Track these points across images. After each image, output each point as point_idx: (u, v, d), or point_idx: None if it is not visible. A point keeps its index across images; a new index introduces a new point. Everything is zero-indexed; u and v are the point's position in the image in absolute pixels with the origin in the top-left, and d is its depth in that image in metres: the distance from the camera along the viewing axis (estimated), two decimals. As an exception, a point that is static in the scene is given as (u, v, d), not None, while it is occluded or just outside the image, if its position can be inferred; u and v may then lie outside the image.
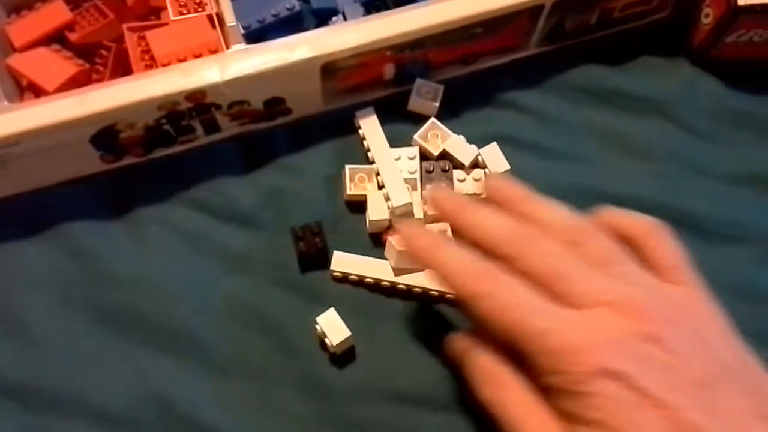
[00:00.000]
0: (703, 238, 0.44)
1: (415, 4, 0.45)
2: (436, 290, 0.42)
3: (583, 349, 0.30)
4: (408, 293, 0.43)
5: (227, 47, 0.44)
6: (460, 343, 0.37)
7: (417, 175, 0.46)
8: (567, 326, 0.31)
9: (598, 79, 0.49)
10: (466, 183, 0.46)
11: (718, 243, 0.44)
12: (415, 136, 0.47)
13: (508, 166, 0.46)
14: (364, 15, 0.47)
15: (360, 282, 0.43)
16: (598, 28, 0.50)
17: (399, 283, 0.42)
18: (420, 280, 0.42)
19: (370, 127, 0.47)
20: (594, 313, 0.31)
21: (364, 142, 0.46)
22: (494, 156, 0.46)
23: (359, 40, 0.43)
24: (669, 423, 0.28)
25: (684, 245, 0.44)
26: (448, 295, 0.42)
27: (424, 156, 0.47)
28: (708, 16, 0.48)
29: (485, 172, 0.46)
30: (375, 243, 0.45)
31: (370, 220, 0.44)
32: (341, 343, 0.40)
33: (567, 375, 0.30)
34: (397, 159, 0.46)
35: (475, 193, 0.46)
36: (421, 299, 0.43)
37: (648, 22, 0.51)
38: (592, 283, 0.32)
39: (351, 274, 0.43)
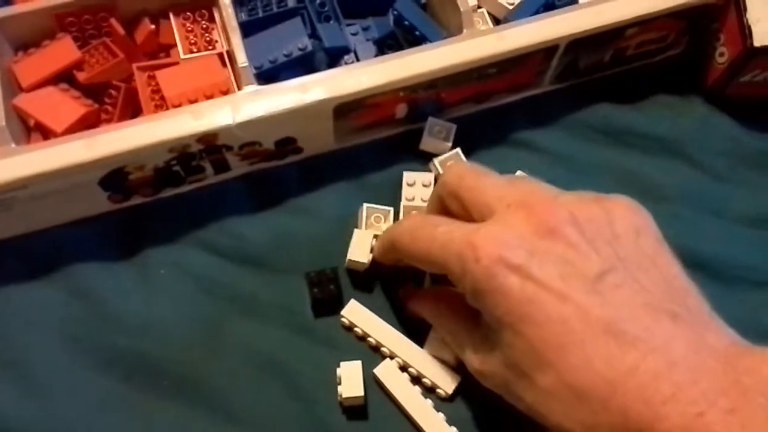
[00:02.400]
0: (716, 280, 0.44)
1: (429, 45, 0.44)
2: (428, 379, 0.41)
3: (483, 244, 0.32)
4: (402, 369, 0.42)
5: (239, 88, 0.43)
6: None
7: None
8: (470, 230, 0.33)
9: (611, 118, 0.49)
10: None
11: (732, 285, 0.44)
12: (435, 160, 0.46)
13: None
14: (376, 54, 0.47)
15: (363, 338, 0.42)
16: (612, 66, 0.50)
17: (396, 356, 0.41)
18: (417, 361, 0.41)
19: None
20: (499, 215, 0.33)
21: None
22: None
23: (373, 81, 0.42)
24: (571, 312, 0.30)
25: (701, 288, 0.44)
26: (438, 390, 0.41)
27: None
28: (723, 55, 0.48)
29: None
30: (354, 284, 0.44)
31: (349, 259, 0.43)
32: (351, 398, 0.39)
33: (472, 274, 0.32)
34: (411, 185, 0.46)
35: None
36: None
37: (662, 59, 0.51)
38: (501, 188, 0.35)
39: (357, 327, 0.42)
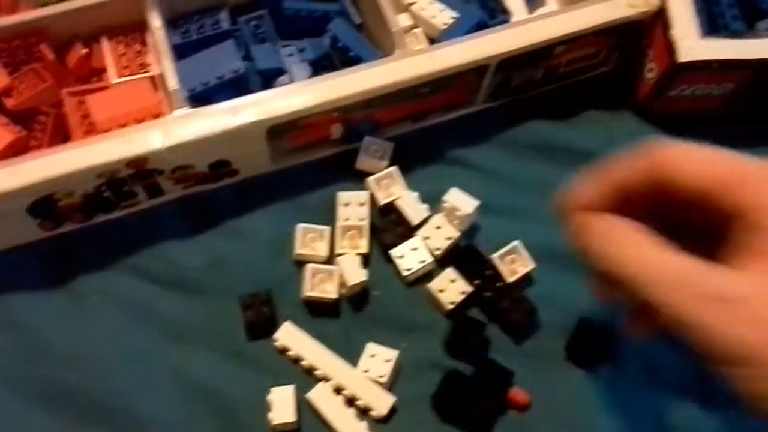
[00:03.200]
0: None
1: (360, 66, 0.45)
2: (362, 401, 0.41)
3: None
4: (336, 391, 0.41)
5: (170, 111, 0.43)
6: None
7: (366, 223, 0.45)
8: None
9: (544, 134, 0.49)
10: (431, 240, 0.45)
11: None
12: (370, 179, 0.46)
13: (478, 202, 0.45)
14: (311, 75, 0.47)
15: (297, 361, 0.42)
16: (545, 84, 0.51)
17: (330, 378, 0.41)
18: (350, 382, 0.41)
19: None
20: None
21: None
22: (460, 198, 0.45)
23: (304, 103, 0.43)
24: None
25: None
26: (372, 411, 0.41)
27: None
28: (652, 71, 0.48)
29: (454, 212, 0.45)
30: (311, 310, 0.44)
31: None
32: (282, 424, 0.39)
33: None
34: (346, 205, 0.46)
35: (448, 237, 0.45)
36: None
37: (593, 76, 0.52)
38: None
39: (291, 350, 0.42)
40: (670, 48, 0.46)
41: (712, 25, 0.49)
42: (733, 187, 0.27)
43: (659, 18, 0.47)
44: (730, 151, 0.29)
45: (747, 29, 0.49)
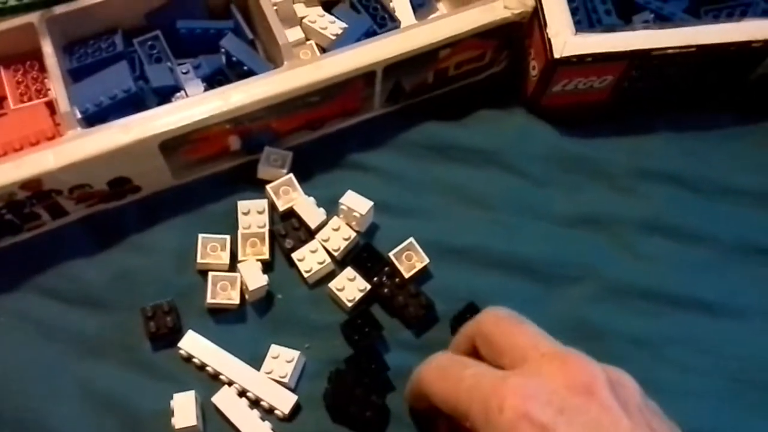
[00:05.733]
0: (539, 280, 0.47)
1: (248, 79, 0.46)
2: (266, 401, 0.42)
3: (511, 395, 0.30)
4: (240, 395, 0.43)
5: (62, 133, 0.44)
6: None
7: (266, 230, 0.47)
8: (499, 376, 0.32)
9: (438, 135, 0.51)
10: (330, 242, 0.47)
11: (555, 283, 0.47)
12: (268, 186, 0.48)
13: (372, 203, 0.47)
14: (205, 90, 0.48)
15: (202, 368, 0.43)
16: (437, 87, 0.53)
17: (234, 382, 0.43)
18: (254, 385, 0.42)
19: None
20: (531, 364, 0.32)
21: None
22: (355, 200, 0.47)
23: (193, 116, 0.44)
24: None
25: (524, 288, 0.46)
26: (276, 411, 0.42)
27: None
28: (534, 68, 0.51)
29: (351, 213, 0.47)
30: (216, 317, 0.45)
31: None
32: (184, 429, 0.40)
33: (493, 426, 0.30)
34: (246, 213, 0.47)
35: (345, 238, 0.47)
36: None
37: (486, 77, 0.54)
38: (537, 337, 0.34)
39: (195, 357, 0.43)
40: (546, 45, 0.48)
41: (590, 21, 0.52)
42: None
43: (536, 18, 0.49)
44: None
45: (622, 23, 0.51)
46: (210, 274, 0.45)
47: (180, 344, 0.43)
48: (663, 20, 0.52)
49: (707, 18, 0.53)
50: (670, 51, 0.48)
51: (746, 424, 0.43)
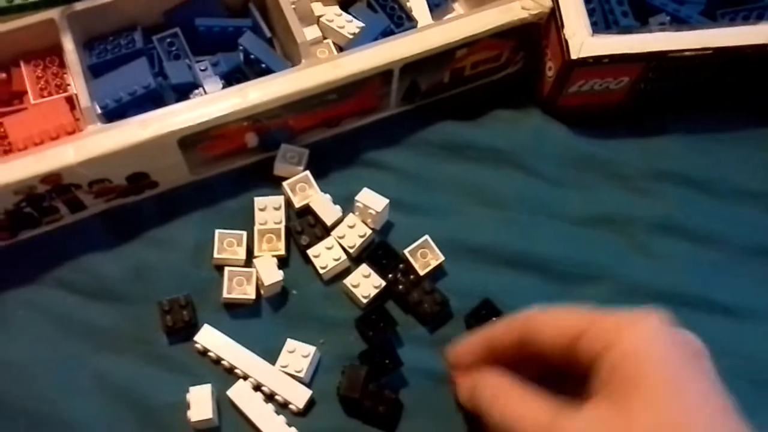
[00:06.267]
0: (555, 280, 0.47)
1: (267, 77, 0.47)
2: (280, 396, 0.42)
3: None
4: (255, 389, 0.43)
5: (83, 128, 0.45)
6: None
7: (282, 226, 0.47)
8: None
9: (453, 134, 0.52)
10: (346, 238, 0.47)
11: (570, 283, 0.47)
12: (285, 183, 0.48)
13: (387, 200, 0.47)
14: (223, 87, 0.49)
15: (218, 361, 0.44)
16: (453, 86, 0.53)
17: (249, 376, 0.43)
18: (269, 379, 0.43)
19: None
20: None
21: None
22: (371, 197, 0.47)
23: (211, 113, 0.44)
24: None
25: (538, 287, 0.46)
26: (290, 405, 0.42)
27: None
28: (551, 69, 0.51)
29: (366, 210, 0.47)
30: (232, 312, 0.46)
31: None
32: (201, 421, 0.41)
33: None
34: (263, 209, 0.48)
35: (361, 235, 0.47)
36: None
37: (502, 77, 0.54)
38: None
39: (211, 351, 0.43)
40: (563, 46, 0.48)
41: (606, 23, 0.52)
42: (575, 341, 0.34)
43: (553, 19, 0.50)
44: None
45: (638, 25, 0.52)
46: (226, 269, 0.45)
47: (196, 338, 0.44)
48: (679, 22, 0.52)
49: (723, 21, 0.53)
50: (686, 53, 0.48)
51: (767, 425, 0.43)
